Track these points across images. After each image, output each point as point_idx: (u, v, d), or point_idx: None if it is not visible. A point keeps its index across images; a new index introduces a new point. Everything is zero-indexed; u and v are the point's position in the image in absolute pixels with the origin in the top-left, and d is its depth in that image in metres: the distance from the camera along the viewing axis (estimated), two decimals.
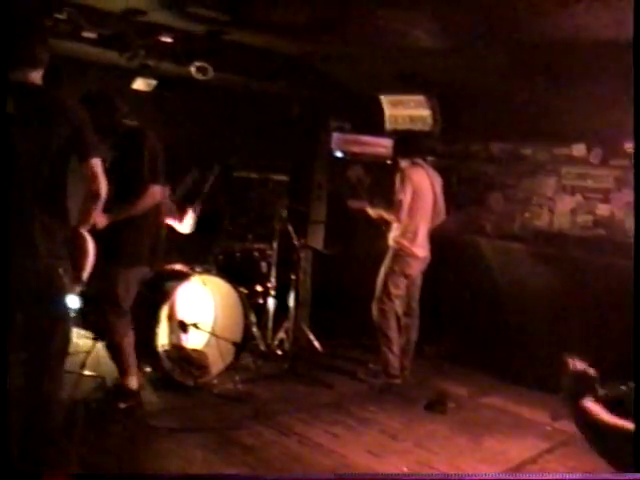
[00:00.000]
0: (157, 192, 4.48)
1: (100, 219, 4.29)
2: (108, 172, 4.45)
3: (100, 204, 3.40)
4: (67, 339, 3.40)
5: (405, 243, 5.62)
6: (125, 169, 4.46)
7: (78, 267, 3.32)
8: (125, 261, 4.49)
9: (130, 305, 4.56)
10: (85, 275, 3.36)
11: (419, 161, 5.73)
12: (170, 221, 5.71)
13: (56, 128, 3.21)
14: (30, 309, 3.28)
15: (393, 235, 5.67)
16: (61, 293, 3.26)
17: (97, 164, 3.33)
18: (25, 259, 3.18)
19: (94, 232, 4.39)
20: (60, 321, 3.32)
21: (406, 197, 5.51)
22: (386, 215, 5.69)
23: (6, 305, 3.13)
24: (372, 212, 5.79)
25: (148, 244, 4.59)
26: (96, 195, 3.33)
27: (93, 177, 3.30)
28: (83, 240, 3.35)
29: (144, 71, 5.90)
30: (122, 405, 4.52)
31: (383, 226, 5.81)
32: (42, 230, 3.20)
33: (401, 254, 5.63)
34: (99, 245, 4.44)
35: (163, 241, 4.83)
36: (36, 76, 3.29)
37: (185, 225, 5.57)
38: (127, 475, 3.73)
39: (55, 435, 3.41)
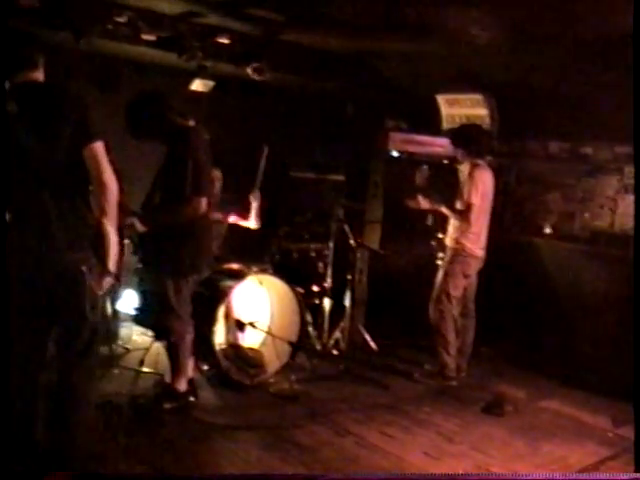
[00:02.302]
0: (200, 204, 4.40)
1: (138, 224, 4.37)
2: (157, 175, 4.59)
3: (111, 194, 3.24)
4: (94, 335, 3.39)
5: (467, 244, 5.56)
6: (171, 175, 4.47)
7: (103, 260, 3.27)
8: (173, 271, 4.49)
9: (186, 309, 4.58)
10: (112, 267, 3.29)
11: (482, 161, 5.64)
12: (236, 220, 5.79)
13: (62, 119, 3.18)
14: (54, 306, 3.29)
15: (454, 235, 5.61)
16: (85, 290, 3.25)
17: (99, 148, 3.22)
18: (42, 252, 3.18)
19: (142, 239, 4.52)
20: (85, 319, 3.31)
21: (477, 200, 5.47)
22: (455, 217, 5.60)
23: (6, 305, 3.18)
24: (445, 211, 5.67)
25: (197, 253, 4.57)
26: (101, 184, 3.21)
27: (94, 163, 3.20)
28: (105, 232, 3.24)
29: (202, 72, 5.97)
30: (167, 405, 4.55)
31: (434, 227, 5.76)
32: (60, 222, 3.17)
33: (463, 254, 5.57)
34: (150, 253, 4.57)
35: (211, 250, 4.84)
36: (38, 75, 3.31)
37: (252, 221, 5.64)
38: (127, 475, 3.76)
39: (82, 430, 3.45)
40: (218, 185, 5.61)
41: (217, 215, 5.53)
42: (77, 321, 3.32)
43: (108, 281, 3.33)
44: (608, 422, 5.12)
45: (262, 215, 5.81)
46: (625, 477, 4.03)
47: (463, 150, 5.65)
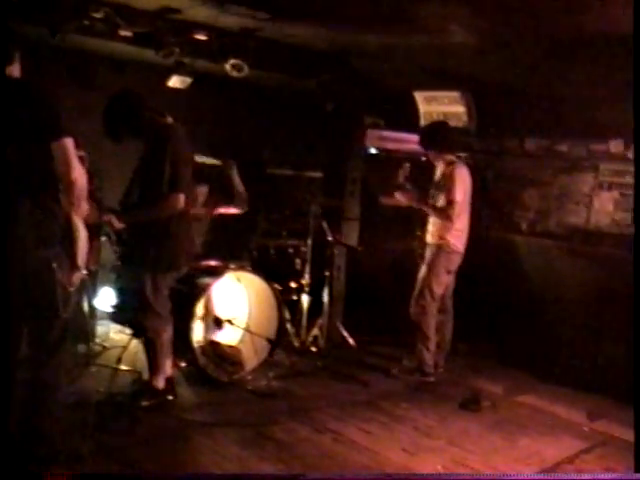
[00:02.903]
0: (177, 201, 4.40)
1: (115, 220, 4.36)
2: (135, 172, 4.58)
3: (79, 190, 3.24)
4: (66, 332, 3.40)
5: (451, 240, 5.59)
6: (149, 172, 4.47)
7: (72, 256, 3.27)
8: (151, 267, 4.48)
9: (164, 306, 4.58)
10: (81, 262, 3.30)
11: (456, 159, 5.68)
12: (224, 210, 5.77)
13: (31, 114, 3.16)
14: (23, 304, 3.27)
15: (437, 232, 5.63)
16: (55, 287, 3.23)
17: (67, 144, 3.20)
18: (12, 250, 3.15)
19: (120, 236, 4.51)
20: (56, 316, 3.30)
21: (460, 197, 5.50)
22: (436, 215, 5.62)
23: (7, 306, 3.16)
24: (426, 209, 5.69)
25: (176, 250, 4.56)
26: (69, 180, 3.20)
27: (62, 159, 3.18)
28: (73, 228, 3.25)
29: (179, 69, 5.94)
30: (145, 403, 4.54)
31: (413, 224, 5.78)
32: (30, 219, 3.16)
33: (447, 250, 5.60)
34: (127, 250, 4.56)
35: (190, 247, 4.81)
36: (13, 70, 3.27)
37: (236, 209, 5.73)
38: (127, 475, 3.75)
39: (53, 429, 3.44)
40: (201, 200, 5.62)
41: (201, 210, 5.54)
42: (48, 318, 3.31)
43: (78, 276, 3.34)
44: (583, 416, 5.19)
45: (248, 200, 5.81)
46: (625, 477, 4.07)
47: (433, 149, 5.68)
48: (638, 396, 3.43)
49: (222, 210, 5.77)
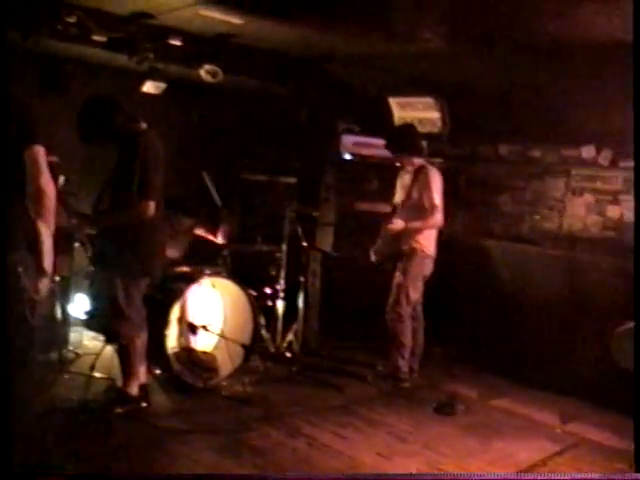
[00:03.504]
0: (147, 208, 4.38)
1: (85, 226, 4.34)
2: (108, 178, 4.56)
3: (47, 198, 3.18)
4: (29, 339, 3.31)
5: (425, 244, 5.58)
6: (121, 178, 4.45)
7: (37, 259, 3.19)
8: (123, 273, 4.47)
9: (137, 312, 4.56)
10: (47, 268, 3.22)
11: (426, 162, 5.69)
12: (204, 234, 5.81)
13: (4, 120, 3.10)
14: None
15: (413, 237, 5.58)
16: (20, 292, 3.16)
17: (39, 152, 3.17)
18: None
19: (93, 242, 4.49)
20: (20, 322, 3.20)
21: (439, 200, 5.47)
22: (428, 225, 5.54)
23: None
24: (419, 225, 5.55)
25: (148, 256, 4.55)
26: (38, 188, 3.16)
27: (33, 166, 3.15)
28: (38, 233, 3.16)
29: (153, 74, 5.92)
30: (119, 410, 4.51)
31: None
32: None
33: (422, 255, 5.58)
34: (100, 256, 4.54)
35: (162, 253, 4.80)
36: None
37: (219, 238, 5.75)
38: (127, 475, 3.73)
39: (25, 437, 3.35)
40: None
41: (188, 221, 5.56)
42: (14, 325, 3.26)
43: (45, 283, 3.28)
44: (556, 419, 5.23)
45: (231, 233, 5.85)
46: (626, 477, 4.10)
47: (401, 153, 5.69)
48: (638, 397, 3.46)
49: (202, 234, 5.80)
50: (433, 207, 5.47)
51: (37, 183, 3.17)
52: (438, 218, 5.50)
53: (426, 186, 5.50)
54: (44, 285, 3.28)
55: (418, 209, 5.58)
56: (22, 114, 3.20)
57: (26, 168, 3.17)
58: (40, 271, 3.21)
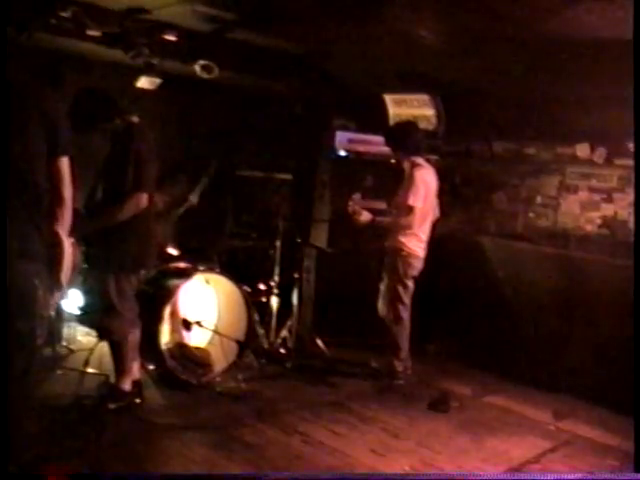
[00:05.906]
0: (140, 199, 4.36)
1: (80, 225, 4.30)
2: (100, 172, 4.54)
3: (67, 209, 3.15)
4: (33, 359, 3.11)
5: (412, 245, 5.54)
6: (113, 170, 4.44)
7: (55, 272, 3.08)
8: (115, 267, 4.45)
9: (129, 308, 4.54)
10: (64, 280, 3.12)
11: (422, 160, 5.65)
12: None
13: (34, 126, 3.05)
14: None
15: (398, 237, 5.54)
16: (35, 306, 3.00)
17: (64, 163, 3.14)
18: None
19: (86, 235, 4.46)
20: (28, 336, 3.01)
21: (419, 202, 5.42)
22: (399, 225, 5.52)
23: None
24: (389, 223, 5.60)
25: (138, 250, 4.53)
26: (61, 198, 3.12)
27: (58, 177, 3.11)
28: (59, 243, 3.10)
29: (148, 69, 5.89)
30: (112, 406, 4.49)
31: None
32: (15, 229, 2.97)
33: (407, 256, 5.53)
34: (92, 250, 4.52)
35: (155, 246, 4.78)
36: None
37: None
38: (126, 475, 3.72)
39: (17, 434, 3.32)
40: (178, 187, 5.60)
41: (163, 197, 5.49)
42: (19, 339, 3.01)
43: (57, 298, 3.20)
44: (549, 416, 5.24)
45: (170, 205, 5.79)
46: (626, 477, 4.11)
47: (400, 150, 5.68)
48: (638, 397, 3.47)
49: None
50: (406, 208, 5.44)
51: (61, 192, 3.13)
52: (409, 219, 5.44)
53: (409, 186, 5.47)
54: (56, 300, 3.20)
55: (399, 207, 5.58)
56: (53, 124, 3.14)
57: (51, 176, 3.10)
58: (57, 284, 3.10)
